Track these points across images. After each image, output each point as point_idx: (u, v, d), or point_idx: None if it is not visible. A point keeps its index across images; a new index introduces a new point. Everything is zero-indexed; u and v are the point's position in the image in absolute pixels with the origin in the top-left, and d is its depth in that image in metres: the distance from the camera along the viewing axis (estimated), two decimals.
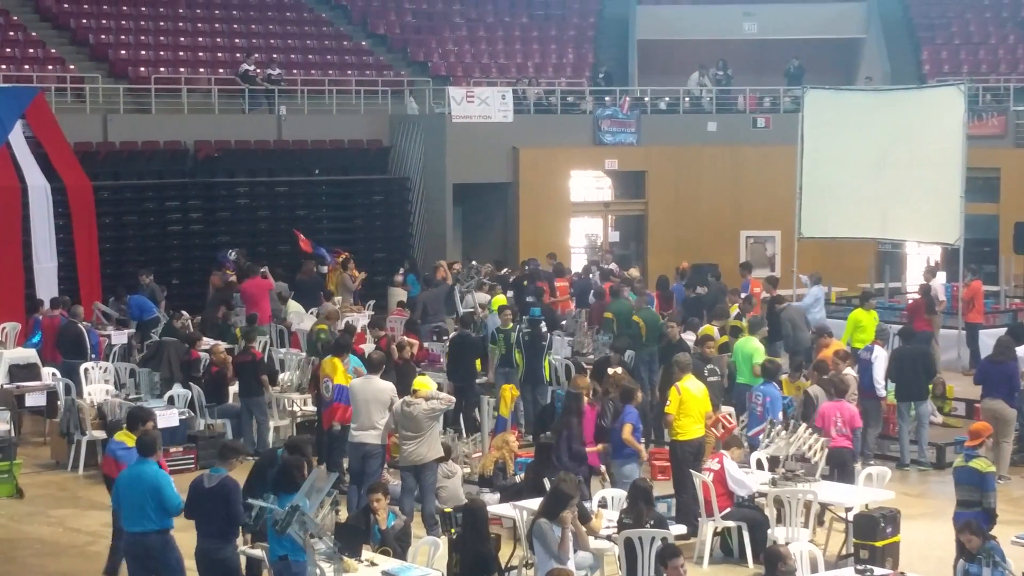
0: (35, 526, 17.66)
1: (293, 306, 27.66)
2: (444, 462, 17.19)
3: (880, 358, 20.54)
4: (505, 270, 31.23)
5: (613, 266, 31.26)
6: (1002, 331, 23.49)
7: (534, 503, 14.19)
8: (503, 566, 14.51)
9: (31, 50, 34.81)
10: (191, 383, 21.45)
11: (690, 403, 17.18)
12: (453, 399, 18.20)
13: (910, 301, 27.62)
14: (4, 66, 33.30)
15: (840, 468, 17.21)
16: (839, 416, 17.44)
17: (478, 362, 22.31)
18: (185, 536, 13.58)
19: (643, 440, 17.38)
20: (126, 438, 14.85)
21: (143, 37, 37.34)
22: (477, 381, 22.12)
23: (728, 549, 16.14)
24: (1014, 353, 20.32)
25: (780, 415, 17.98)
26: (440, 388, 21.70)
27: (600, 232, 37.54)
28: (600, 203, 37.72)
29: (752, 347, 20.82)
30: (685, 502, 16.61)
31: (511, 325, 22.22)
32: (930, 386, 21.40)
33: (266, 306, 26.97)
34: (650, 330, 23.23)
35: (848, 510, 15.86)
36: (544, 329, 22.23)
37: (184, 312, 25.78)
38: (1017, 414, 20.03)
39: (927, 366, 21.10)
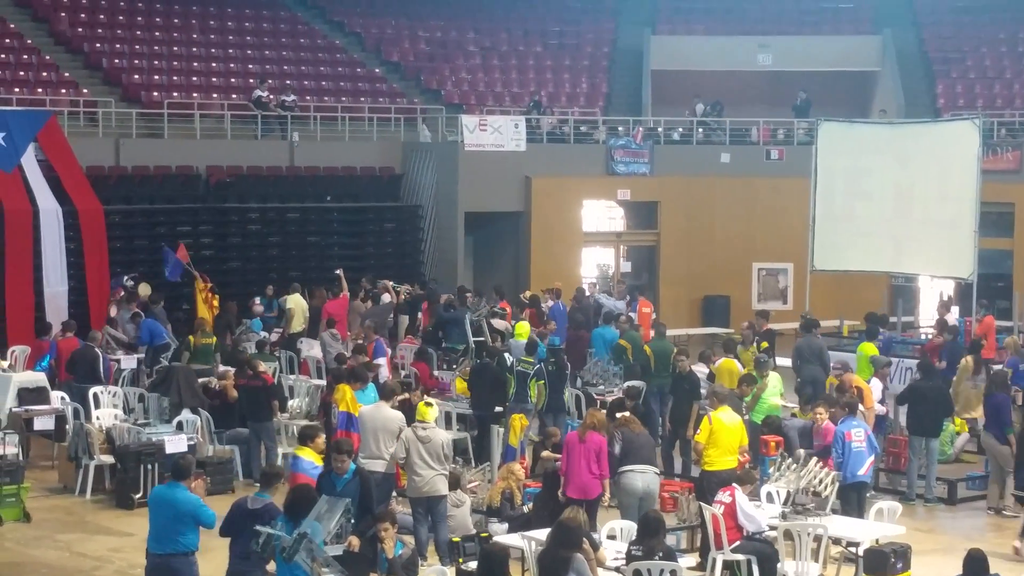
0: (42, 550, 17.58)
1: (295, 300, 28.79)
2: (452, 491, 17.10)
3: (874, 387, 20.54)
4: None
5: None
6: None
7: (543, 533, 14.05)
8: None
9: (44, 73, 34.91)
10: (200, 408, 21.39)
11: (721, 434, 17.15)
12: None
13: (929, 339, 27.38)
14: (18, 89, 33.43)
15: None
16: None
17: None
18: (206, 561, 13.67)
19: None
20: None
21: (156, 62, 37.43)
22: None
23: None
24: (1007, 387, 20.24)
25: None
26: (448, 416, 21.75)
27: (612, 262, 37.48)
28: (612, 233, 37.64)
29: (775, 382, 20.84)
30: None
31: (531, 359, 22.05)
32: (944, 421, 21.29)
33: (345, 324, 27.58)
34: (659, 361, 23.12)
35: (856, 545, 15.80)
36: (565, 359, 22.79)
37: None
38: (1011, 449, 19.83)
39: (945, 403, 20.89)
